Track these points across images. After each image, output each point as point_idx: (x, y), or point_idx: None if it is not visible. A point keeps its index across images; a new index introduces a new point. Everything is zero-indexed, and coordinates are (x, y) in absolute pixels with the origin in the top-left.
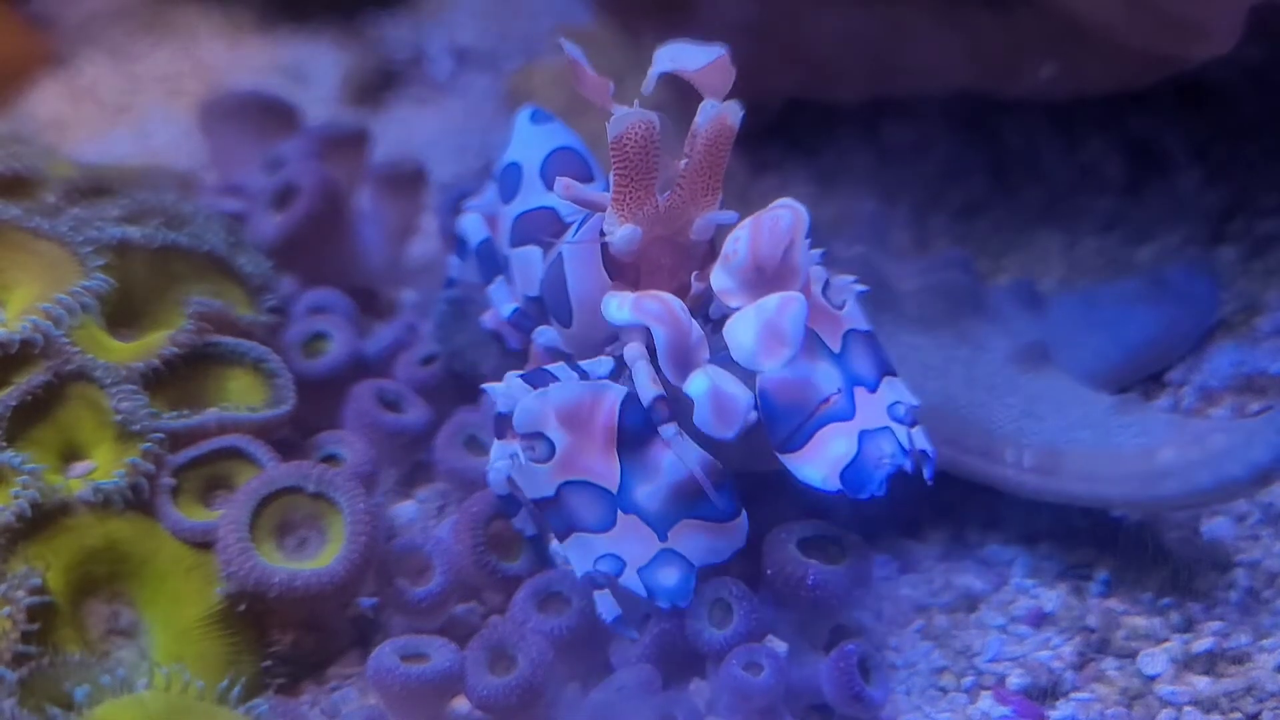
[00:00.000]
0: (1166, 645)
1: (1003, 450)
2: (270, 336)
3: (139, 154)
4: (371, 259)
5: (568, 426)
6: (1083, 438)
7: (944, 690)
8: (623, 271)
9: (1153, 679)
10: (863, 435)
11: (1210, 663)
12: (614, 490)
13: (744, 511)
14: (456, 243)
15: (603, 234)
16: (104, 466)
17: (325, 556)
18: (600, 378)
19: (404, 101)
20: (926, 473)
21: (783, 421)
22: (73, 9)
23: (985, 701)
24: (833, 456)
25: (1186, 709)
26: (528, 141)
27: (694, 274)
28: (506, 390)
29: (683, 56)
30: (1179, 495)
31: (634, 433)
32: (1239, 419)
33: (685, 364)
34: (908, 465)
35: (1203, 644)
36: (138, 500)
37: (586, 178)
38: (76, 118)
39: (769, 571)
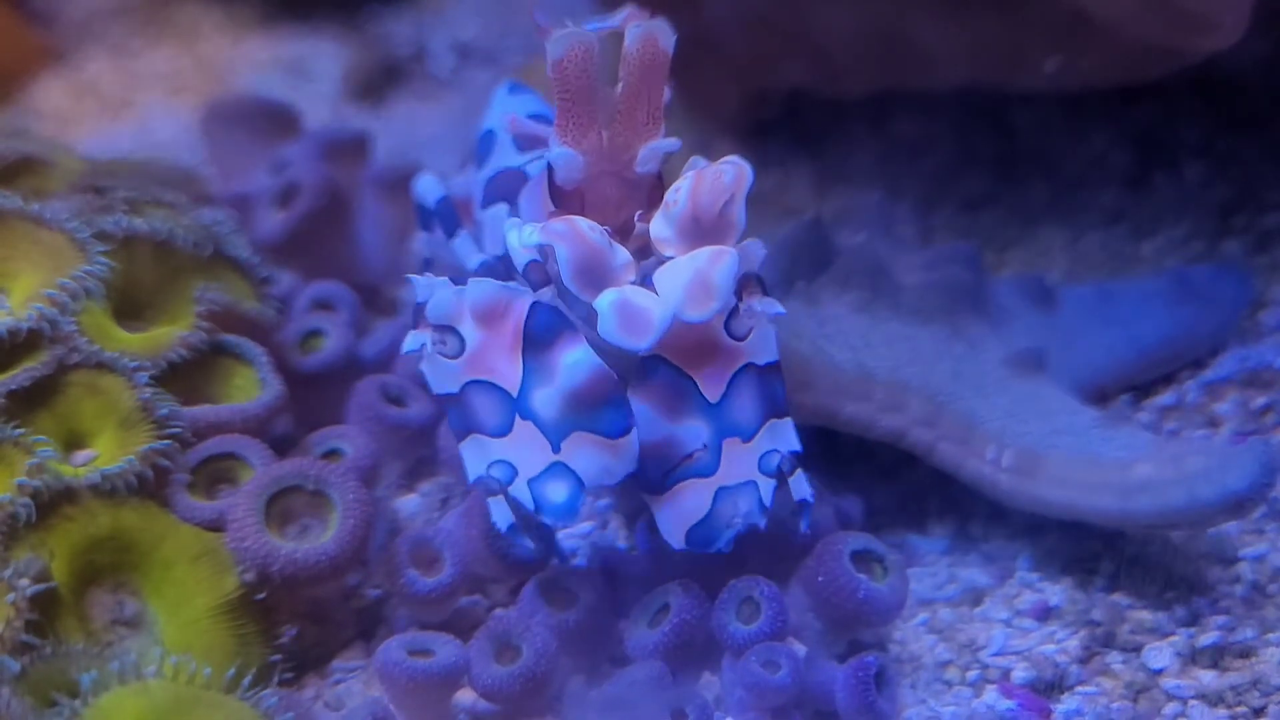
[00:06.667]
0: (1172, 639)
1: (983, 446)
2: (275, 329)
3: (141, 150)
4: (372, 258)
5: (481, 324)
6: (1063, 444)
7: (949, 684)
8: (568, 203)
9: (1158, 673)
10: (719, 493)
11: (1216, 657)
12: (514, 394)
13: (635, 429)
14: (418, 213)
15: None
16: (106, 455)
17: (324, 539)
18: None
19: (406, 98)
20: (803, 523)
21: (641, 474)
22: (74, 5)
23: (990, 695)
24: (684, 513)
25: (1192, 703)
26: (504, 109)
27: (638, 214)
28: (427, 282)
29: (600, 22)
30: (1151, 512)
31: (540, 335)
32: (1236, 425)
33: (597, 282)
34: (761, 524)
35: (1208, 638)
36: (143, 489)
37: None
38: (78, 114)
39: (819, 579)
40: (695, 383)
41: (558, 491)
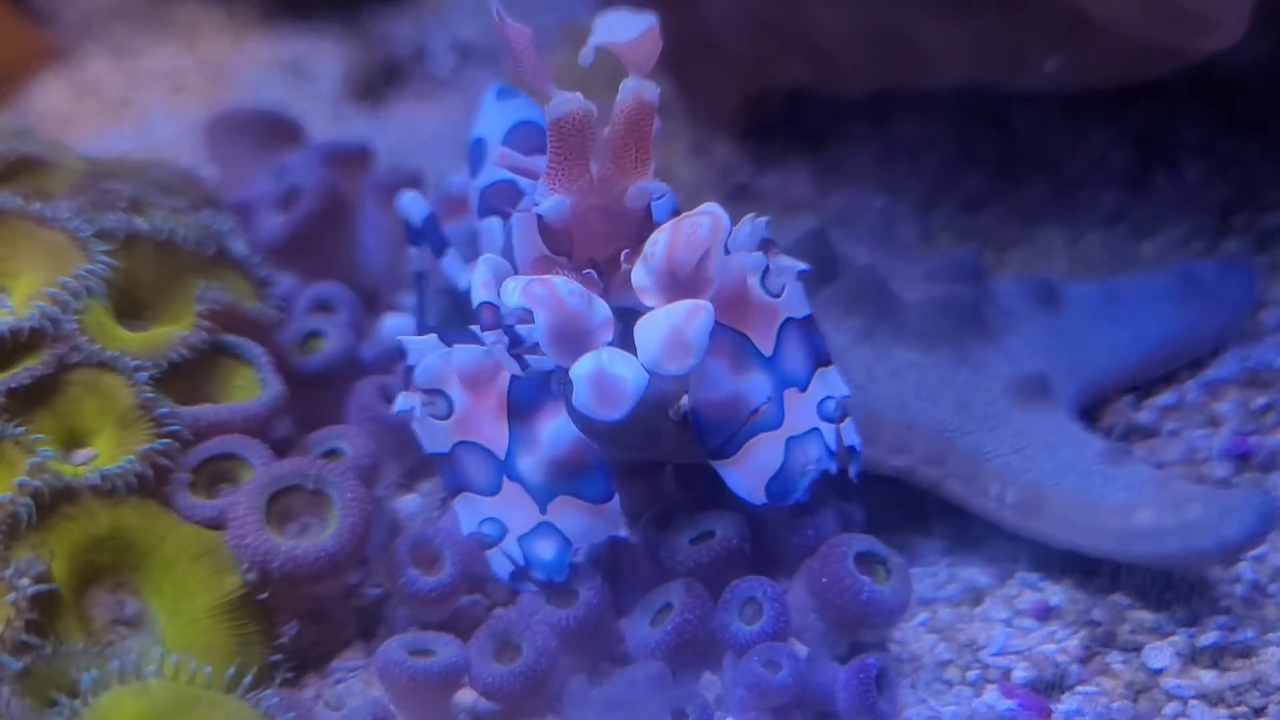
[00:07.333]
0: (1172, 639)
1: (988, 483)
2: (276, 330)
3: (142, 149)
4: (372, 261)
5: (467, 389)
6: (1067, 483)
7: (949, 683)
8: (556, 239)
9: (1158, 672)
10: (789, 443)
11: (1216, 656)
12: (501, 457)
13: (616, 495)
14: (406, 230)
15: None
16: (106, 454)
17: (323, 538)
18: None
19: (406, 97)
20: (852, 470)
21: (714, 435)
22: (75, 5)
23: (991, 694)
24: (760, 468)
25: (1192, 703)
26: (493, 116)
27: (625, 253)
28: (417, 345)
29: (618, 27)
30: (1149, 556)
31: (522, 405)
32: (1236, 425)
33: (575, 347)
34: (832, 468)
35: (1208, 638)
36: (143, 488)
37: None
38: (79, 113)
39: (823, 580)
40: (749, 338)
41: (546, 549)
